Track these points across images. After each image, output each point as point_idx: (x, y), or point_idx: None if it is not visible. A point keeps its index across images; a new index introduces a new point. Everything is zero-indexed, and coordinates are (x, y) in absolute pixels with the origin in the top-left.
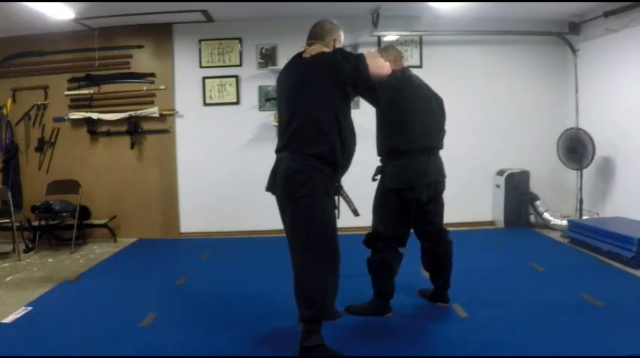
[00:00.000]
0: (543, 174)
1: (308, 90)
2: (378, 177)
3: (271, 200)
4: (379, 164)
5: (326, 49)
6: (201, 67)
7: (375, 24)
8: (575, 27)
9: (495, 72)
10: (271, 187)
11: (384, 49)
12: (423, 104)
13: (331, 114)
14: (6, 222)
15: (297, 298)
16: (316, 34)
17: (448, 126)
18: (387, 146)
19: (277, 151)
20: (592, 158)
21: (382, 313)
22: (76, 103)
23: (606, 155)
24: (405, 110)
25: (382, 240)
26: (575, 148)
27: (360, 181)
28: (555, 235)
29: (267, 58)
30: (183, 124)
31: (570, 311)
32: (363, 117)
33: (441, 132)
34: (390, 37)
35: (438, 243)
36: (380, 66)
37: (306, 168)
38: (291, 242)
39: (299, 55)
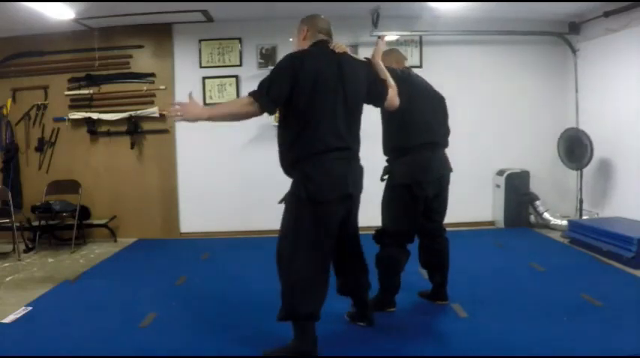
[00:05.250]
0: (543, 174)
1: (360, 96)
2: (386, 177)
3: (271, 200)
4: (385, 164)
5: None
6: (201, 67)
7: (375, 24)
8: (575, 27)
9: (495, 72)
10: (347, 188)
11: (388, 51)
12: (422, 100)
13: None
14: (6, 222)
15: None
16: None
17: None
18: (391, 144)
19: (340, 149)
20: (590, 158)
21: (385, 307)
22: (76, 103)
23: (606, 155)
24: (404, 106)
25: (390, 236)
26: (573, 149)
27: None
28: (555, 235)
29: (267, 58)
30: (183, 124)
31: (570, 311)
32: None
33: (442, 128)
34: (390, 37)
35: (436, 239)
36: (394, 99)
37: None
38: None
39: (327, 46)
